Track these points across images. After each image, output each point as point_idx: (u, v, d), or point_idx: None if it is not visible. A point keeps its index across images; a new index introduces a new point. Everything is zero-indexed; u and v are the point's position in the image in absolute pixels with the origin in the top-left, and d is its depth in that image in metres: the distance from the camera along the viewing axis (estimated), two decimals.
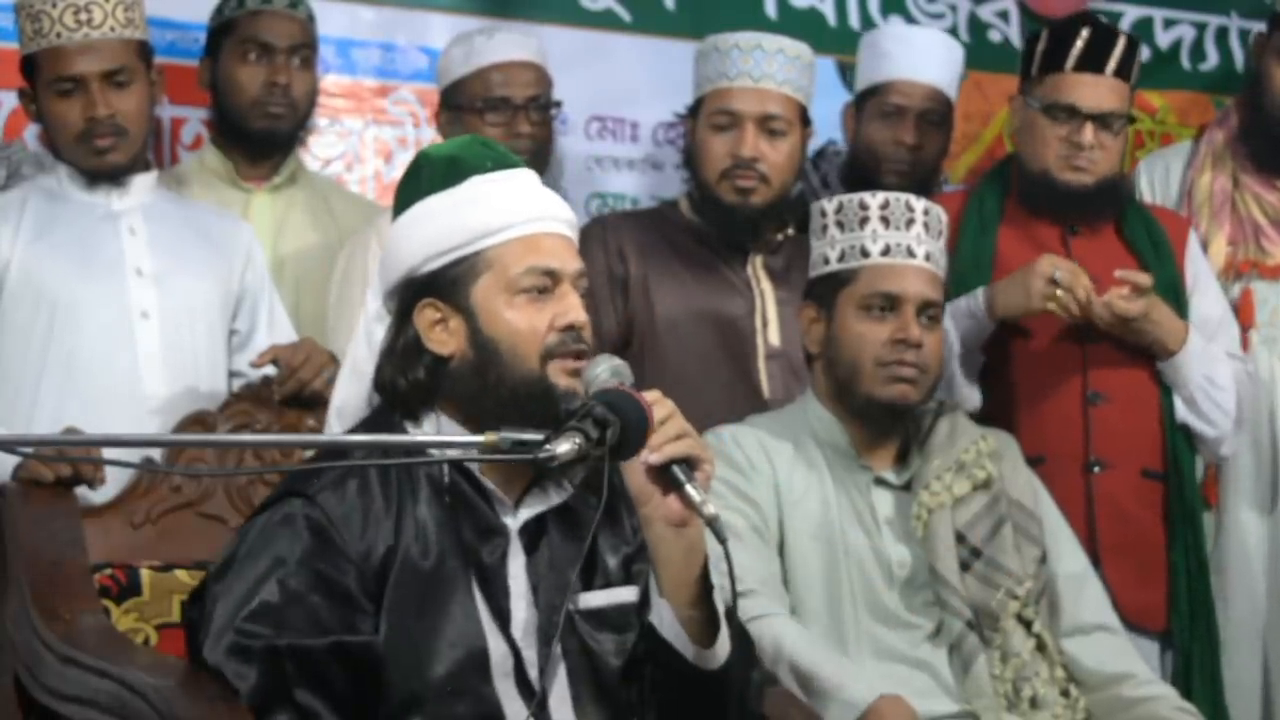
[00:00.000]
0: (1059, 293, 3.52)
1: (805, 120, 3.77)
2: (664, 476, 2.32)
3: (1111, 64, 3.67)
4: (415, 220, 2.49)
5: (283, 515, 2.38)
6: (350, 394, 2.56)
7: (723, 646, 2.41)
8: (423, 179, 2.51)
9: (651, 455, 2.30)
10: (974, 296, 3.61)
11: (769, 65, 3.71)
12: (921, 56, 4.19)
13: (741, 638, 2.48)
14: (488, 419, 2.35)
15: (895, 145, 4.11)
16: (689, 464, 2.32)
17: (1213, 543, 3.95)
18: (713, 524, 2.28)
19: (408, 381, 2.45)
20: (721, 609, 2.42)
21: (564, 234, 2.50)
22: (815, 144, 4.34)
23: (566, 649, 2.44)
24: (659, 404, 2.32)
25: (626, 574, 2.53)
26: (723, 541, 2.27)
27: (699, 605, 2.40)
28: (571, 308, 2.44)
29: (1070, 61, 3.66)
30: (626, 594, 2.52)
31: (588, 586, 2.49)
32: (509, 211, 2.46)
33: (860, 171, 4.12)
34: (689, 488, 2.30)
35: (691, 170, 3.80)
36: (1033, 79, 3.72)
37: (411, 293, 2.47)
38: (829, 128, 4.59)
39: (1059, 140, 3.66)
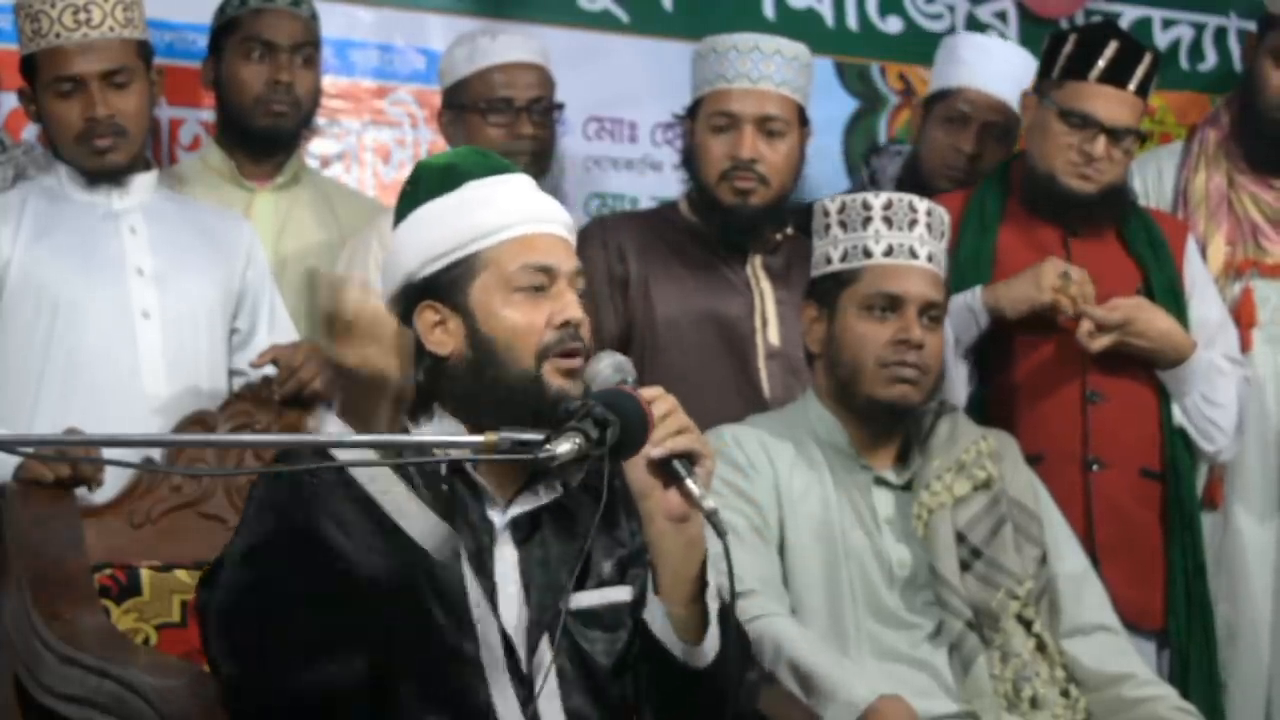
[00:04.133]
0: (1071, 288, 3.54)
1: (803, 120, 3.77)
2: (665, 471, 2.33)
3: (1134, 82, 3.68)
4: (413, 227, 2.50)
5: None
6: None
7: (710, 644, 2.41)
8: (420, 187, 2.53)
9: (653, 450, 2.31)
10: (972, 292, 3.63)
11: (767, 66, 3.71)
12: (996, 69, 4.23)
13: (738, 636, 2.48)
14: (484, 417, 2.36)
15: (955, 152, 4.15)
16: (690, 459, 2.33)
17: (1218, 542, 3.95)
18: (712, 518, 2.29)
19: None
20: (714, 607, 2.41)
21: (560, 235, 2.51)
22: (813, 146, 4.35)
23: (557, 648, 2.43)
24: (661, 399, 2.33)
25: (620, 575, 2.53)
26: (722, 536, 2.27)
27: (696, 602, 2.40)
28: (569, 305, 2.45)
29: (1095, 72, 3.66)
30: (619, 593, 2.52)
31: (579, 587, 2.49)
32: (505, 212, 2.48)
33: (916, 173, 4.14)
34: (689, 482, 2.31)
35: (690, 171, 3.80)
36: (1052, 80, 3.72)
37: (411, 297, 2.49)
38: (827, 129, 4.60)
39: (1070, 146, 3.67)
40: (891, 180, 4.31)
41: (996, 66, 4.23)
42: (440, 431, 2.45)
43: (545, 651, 2.42)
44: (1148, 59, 3.71)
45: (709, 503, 2.30)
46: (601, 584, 2.50)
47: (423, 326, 2.47)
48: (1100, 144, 3.66)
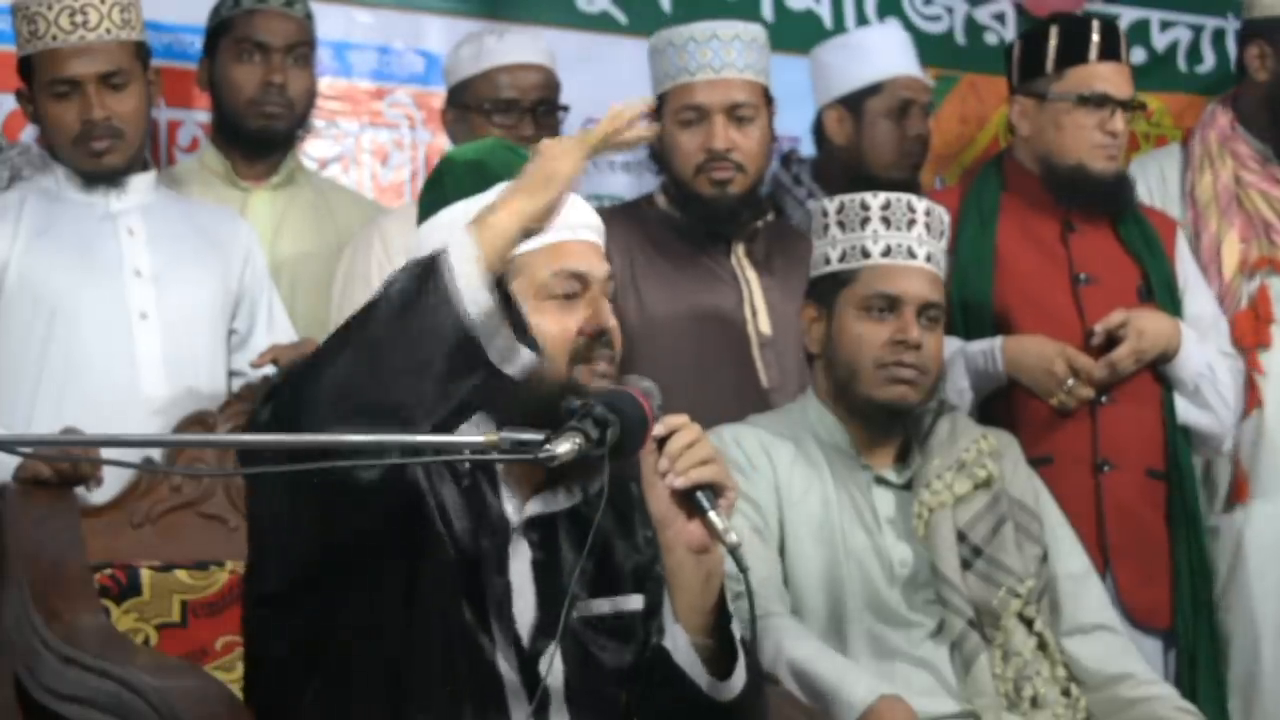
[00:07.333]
0: (1065, 398, 3.60)
1: (769, 100, 3.75)
2: (687, 501, 2.30)
3: (1124, 53, 3.76)
4: (441, 227, 2.45)
5: None
6: None
7: (738, 678, 2.38)
8: (447, 185, 2.49)
9: (677, 479, 2.28)
10: (991, 355, 3.64)
11: (728, 54, 3.70)
12: (909, 52, 4.28)
13: (754, 668, 2.45)
14: (517, 420, 2.31)
15: (909, 139, 4.16)
16: (713, 490, 2.30)
17: (1236, 540, 3.97)
18: (735, 552, 2.25)
19: None
20: (739, 638, 2.39)
21: (591, 240, 2.48)
22: (811, 147, 4.35)
23: (566, 653, 2.43)
24: (686, 428, 2.30)
25: (636, 583, 2.51)
26: (744, 571, 2.24)
27: (714, 634, 2.38)
28: (601, 313, 2.43)
29: (1094, 51, 3.72)
30: (633, 602, 2.50)
31: (596, 593, 2.48)
32: None
33: (862, 171, 4.12)
34: (713, 514, 2.28)
35: (661, 166, 3.79)
36: (1048, 75, 3.75)
37: None
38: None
39: (1093, 129, 3.70)
40: (813, 181, 4.30)
41: (907, 50, 4.28)
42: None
43: (553, 658, 2.39)
44: (1121, 30, 3.79)
45: (733, 537, 2.26)
46: (616, 591, 2.49)
47: None
48: (1119, 119, 3.71)
